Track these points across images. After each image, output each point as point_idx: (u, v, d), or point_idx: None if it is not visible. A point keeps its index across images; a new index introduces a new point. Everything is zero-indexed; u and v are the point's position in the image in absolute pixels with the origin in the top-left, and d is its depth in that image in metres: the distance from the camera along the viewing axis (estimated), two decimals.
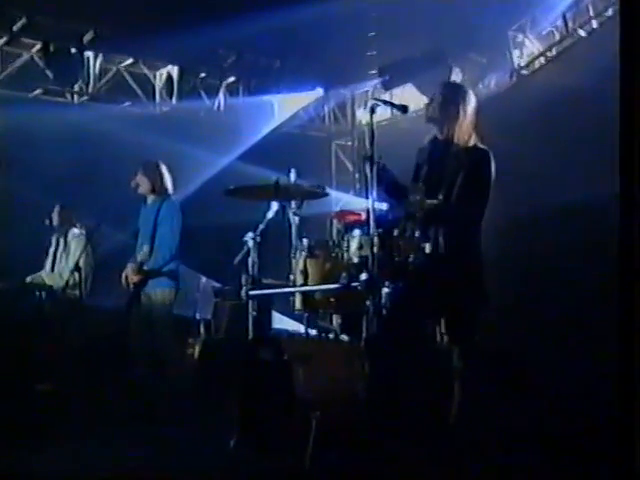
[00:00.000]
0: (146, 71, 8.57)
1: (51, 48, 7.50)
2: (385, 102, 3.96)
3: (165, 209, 5.57)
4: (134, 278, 5.43)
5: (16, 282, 6.41)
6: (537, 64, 7.45)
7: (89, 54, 7.97)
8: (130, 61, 8.40)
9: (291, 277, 3.89)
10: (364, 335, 3.42)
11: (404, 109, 3.81)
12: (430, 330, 3.69)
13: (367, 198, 3.45)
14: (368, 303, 3.33)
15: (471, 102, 3.96)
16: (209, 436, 4.27)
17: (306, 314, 3.98)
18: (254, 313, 4.11)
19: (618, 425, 1.72)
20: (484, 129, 4.04)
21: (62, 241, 6.63)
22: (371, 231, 3.41)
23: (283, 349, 3.57)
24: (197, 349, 6.03)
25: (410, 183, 3.93)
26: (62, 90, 8.09)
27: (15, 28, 7.39)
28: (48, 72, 7.62)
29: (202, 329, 6.63)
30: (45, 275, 6.59)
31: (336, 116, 10.05)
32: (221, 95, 8.73)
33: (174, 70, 8.50)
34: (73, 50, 7.59)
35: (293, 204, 4.11)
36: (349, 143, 10.24)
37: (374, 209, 3.44)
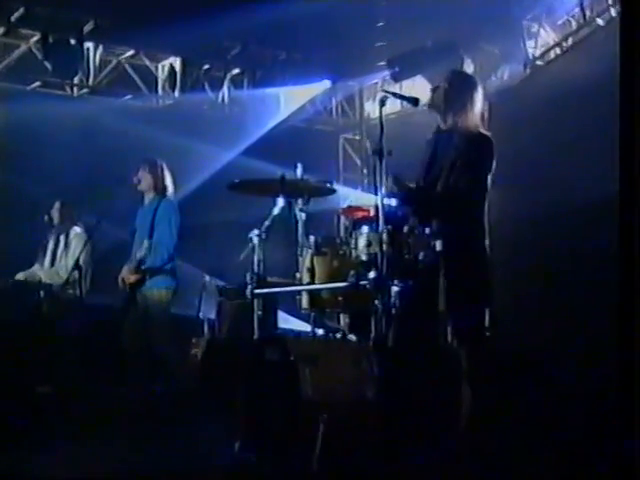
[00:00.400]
0: (148, 63, 8.58)
1: (50, 39, 7.53)
2: (395, 94, 3.95)
3: (163, 209, 5.63)
4: (130, 278, 5.47)
5: (12, 280, 6.45)
6: (552, 55, 7.44)
7: (89, 45, 8.00)
8: (131, 52, 8.42)
9: (297, 275, 3.90)
10: (372, 335, 3.42)
11: (415, 102, 3.82)
12: (440, 330, 3.70)
13: (376, 194, 3.45)
14: (377, 302, 3.34)
15: (476, 91, 3.97)
16: (213, 439, 4.29)
17: (313, 313, 3.99)
18: (259, 312, 4.12)
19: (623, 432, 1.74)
20: (497, 122, 4.05)
21: (63, 239, 6.65)
22: (380, 228, 3.41)
23: (289, 349, 3.58)
24: (201, 349, 6.04)
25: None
26: (61, 82, 8.12)
27: (13, 18, 7.41)
28: (47, 64, 7.64)
29: (206, 329, 6.64)
30: (43, 272, 6.61)
31: (344, 109, 10.04)
32: (225, 88, 8.74)
33: (177, 62, 8.52)
34: (73, 41, 7.61)
35: (299, 200, 4.13)
36: (357, 137, 10.24)
37: (383, 205, 3.44)
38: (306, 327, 4.57)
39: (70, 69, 7.83)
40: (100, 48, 8.17)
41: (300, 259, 3.89)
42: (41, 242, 6.75)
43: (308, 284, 3.81)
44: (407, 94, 5.51)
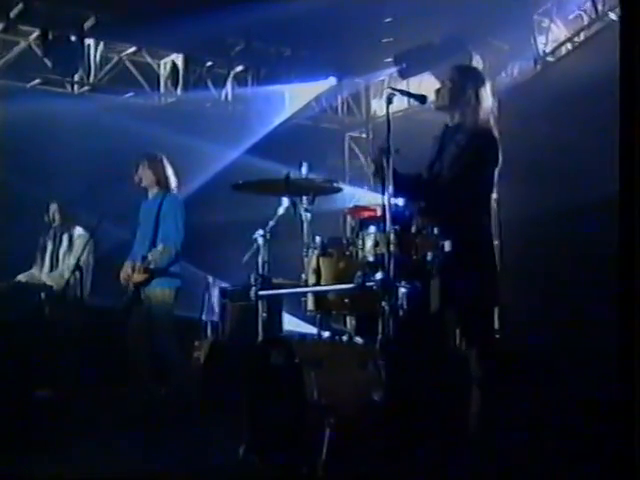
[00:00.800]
0: (150, 60, 8.61)
1: (50, 36, 7.55)
2: (402, 92, 3.96)
3: (167, 204, 5.59)
4: (137, 277, 5.44)
5: (13, 282, 6.46)
6: (564, 50, 7.43)
7: (90, 42, 8.03)
8: (133, 49, 8.44)
9: (303, 276, 3.91)
10: (380, 337, 3.43)
11: (423, 99, 3.83)
12: (448, 332, 3.71)
13: (383, 193, 3.46)
14: (384, 304, 3.35)
15: (481, 85, 3.98)
16: (217, 443, 4.31)
17: (319, 315, 4.00)
18: (264, 314, 4.14)
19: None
20: (507, 120, 4.06)
21: (65, 240, 6.62)
22: (387, 228, 3.42)
23: (294, 352, 3.59)
24: (204, 352, 6.06)
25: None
26: (62, 80, 8.15)
27: (12, 14, 7.43)
28: (47, 61, 7.67)
29: (209, 331, 6.66)
30: (44, 275, 6.61)
31: (350, 107, 10.06)
32: (229, 85, 8.76)
33: (179, 59, 8.54)
34: (73, 38, 7.64)
35: (305, 200, 4.14)
36: (364, 135, 10.26)
37: (390, 205, 3.45)
38: (312, 329, 4.57)
39: (70, 66, 7.85)
40: (101, 45, 8.20)
41: (306, 260, 3.89)
42: (39, 244, 6.74)
43: (314, 285, 3.81)
44: (414, 91, 5.52)
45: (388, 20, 7.89)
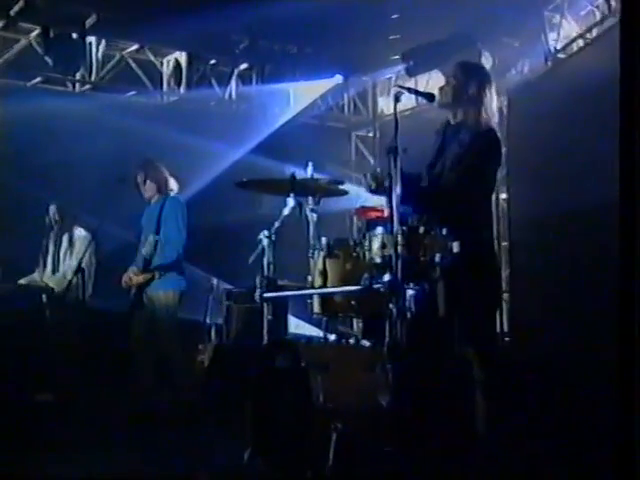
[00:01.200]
0: (152, 58, 8.63)
1: (51, 33, 7.58)
2: (410, 90, 3.96)
3: (169, 205, 5.63)
4: (136, 279, 5.46)
5: (15, 284, 6.49)
6: (575, 47, 7.42)
7: (91, 39, 8.06)
8: (135, 47, 8.47)
9: (309, 278, 3.91)
10: (387, 340, 3.44)
11: (431, 97, 3.83)
12: (456, 334, 3.72)
13: (389, 194, 3.46)
14: (391, 306, 3.35)
15: (485, 81, 3.99)
16: (221, 448, 4.32)
17: (325, 318, 4.01)
18: (269, 317, 4.15)
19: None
20: (517, 117, 4.06)
21: (66, 241, 6.65)
22: (394, 229, 3.42)
23: (300, 355, 3.60)
24: (208, 355, 6.07)
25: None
26: (63, 78, 8.17)
27: (12, 12, 7.45)
28: (48, 59, 7.69)
29: (213, 334, 6.67)
30: (47, 277, 6.63)
31: (356, 105, 10.06)
32: (233, 83, 8.79)
33: (182, 57, 8.56)
34: (74, 35, 7.67)
35: (310, 200, 4.15)
36: (370, 134, 10.27)
37: (397, 205, 3.46)
38: (318, 332, 4.59)
39: (72, 64, 7.88)
40: (103, 42, 8.22)
41: (312, 261, 3.90)
42: (41, 246, 6.76)
43: (320, 287, 3.82)
44: (422, 89, 5.53)
45: (395, 17, 7.89)
